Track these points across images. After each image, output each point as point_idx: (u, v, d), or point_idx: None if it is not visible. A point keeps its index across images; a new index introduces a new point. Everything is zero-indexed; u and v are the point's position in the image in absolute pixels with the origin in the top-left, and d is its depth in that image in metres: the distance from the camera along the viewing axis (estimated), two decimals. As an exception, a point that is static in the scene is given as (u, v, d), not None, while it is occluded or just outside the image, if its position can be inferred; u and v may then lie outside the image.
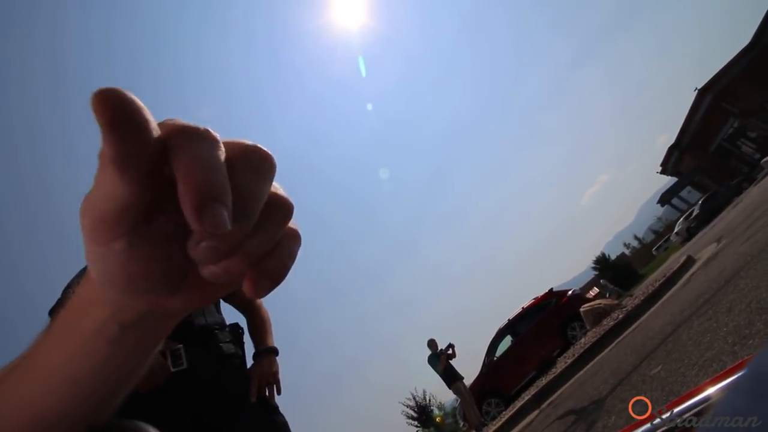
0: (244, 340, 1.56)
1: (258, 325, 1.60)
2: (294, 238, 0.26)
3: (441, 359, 7.36)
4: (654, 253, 19.54)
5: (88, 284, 0.25)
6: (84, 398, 0.28)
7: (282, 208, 0.24)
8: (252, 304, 1.66)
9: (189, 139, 0.21)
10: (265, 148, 0.24)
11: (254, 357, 1.52)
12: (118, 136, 0.21)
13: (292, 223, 0.26)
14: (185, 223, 0.22)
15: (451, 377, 7.44)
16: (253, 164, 0.22)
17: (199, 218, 0.21)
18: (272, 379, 1.46)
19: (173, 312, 0.27)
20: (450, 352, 7.43)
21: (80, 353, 0.26)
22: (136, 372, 0.30)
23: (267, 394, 1.42)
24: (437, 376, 7.42)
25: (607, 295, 15.00)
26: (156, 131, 0.21)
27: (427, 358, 7.55)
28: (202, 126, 0.22)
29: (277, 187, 0.25)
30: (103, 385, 0.28)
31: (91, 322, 0.25)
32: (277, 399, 1.47)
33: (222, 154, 0.21)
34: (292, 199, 0.25)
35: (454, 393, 7.58)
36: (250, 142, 0.24)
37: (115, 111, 0.21)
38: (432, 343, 7.59)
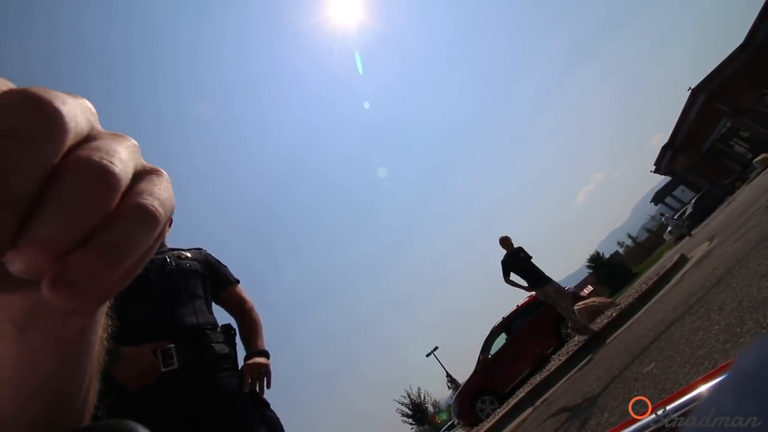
0: (236, 342, 1.56)
1: (250, 329, 1.60)
2: (138, 217, 0.17)
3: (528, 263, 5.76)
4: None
5: None
6: (21, 401, 0.24)
7: (80, 173, 0.16)
8: (243, 307, 1.65)
9: None
10: (36, 93, 0.16)
11: (246, 360, 1.52)
12: None
13: (148, 198, 0.17)
14: None
15: (537, 280, 5.76)
16: (9, 120, 0.16)
17: None
18: (264, 371, 1.46)
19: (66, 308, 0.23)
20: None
21: None
22: (72, 372, 0.26)
23: (258, 388, 1.43)
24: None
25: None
26: None
27: (501, 261, 5.84)
28: None
29: (98, 147, 0.16)
30: (40, 387, 0.24)
31: None
32: (272, 397, 1.47)
33: None
34: (114, 164, 0.16)
35: (542, 297, 5.88)
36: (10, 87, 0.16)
37: None
38: (506, 241, 5.91)
